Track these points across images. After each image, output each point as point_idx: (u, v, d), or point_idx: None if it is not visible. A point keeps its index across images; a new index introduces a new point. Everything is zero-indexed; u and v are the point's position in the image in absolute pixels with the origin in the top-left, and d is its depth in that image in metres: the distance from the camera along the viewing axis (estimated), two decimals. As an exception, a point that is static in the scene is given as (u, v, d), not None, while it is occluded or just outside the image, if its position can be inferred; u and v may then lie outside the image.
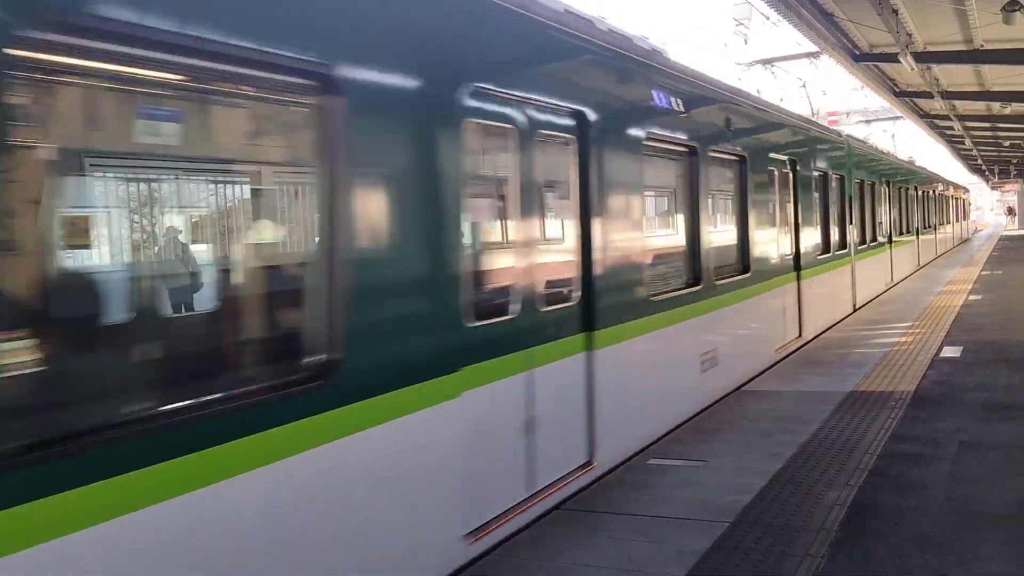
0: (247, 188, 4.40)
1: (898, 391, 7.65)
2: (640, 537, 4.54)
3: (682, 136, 7.05)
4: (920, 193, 23.70)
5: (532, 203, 4.97)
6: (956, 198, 37.61)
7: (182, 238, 4.54)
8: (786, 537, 4.39)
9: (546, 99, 5.07)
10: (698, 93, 7.51)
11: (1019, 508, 4.65)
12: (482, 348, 4.39)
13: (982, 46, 14.24)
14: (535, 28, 5.09)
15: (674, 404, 6.80)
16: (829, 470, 5.46)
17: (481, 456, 4.31)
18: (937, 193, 28.71)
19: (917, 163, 29.15)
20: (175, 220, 4.53)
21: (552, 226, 5.52)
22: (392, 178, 3.83)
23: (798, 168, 10.41)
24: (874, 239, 16.08)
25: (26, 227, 2.68)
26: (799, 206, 10.44)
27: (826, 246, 11.96)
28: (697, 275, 7.23)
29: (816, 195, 11.45)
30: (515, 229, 4.88)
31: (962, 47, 14.58)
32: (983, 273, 20.16)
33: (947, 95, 19.46)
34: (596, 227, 5.47)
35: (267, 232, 4.37)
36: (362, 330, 3.58)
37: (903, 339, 10.63)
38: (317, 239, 3.64)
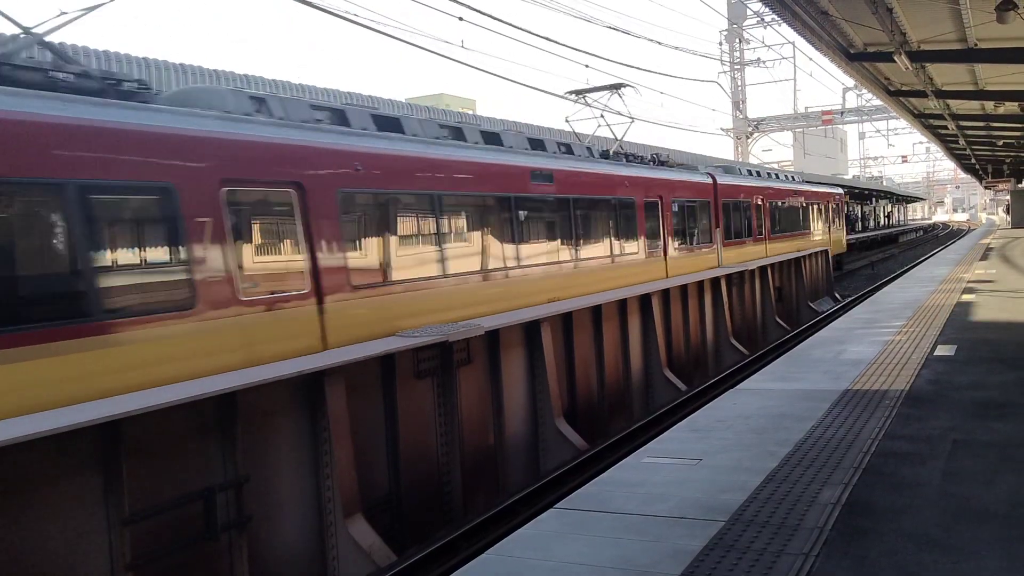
0: None
1: (892, 389, 7.66)
2: (635, 536, 4.52)
3: None
4: None
5: None
6: None
7: None
8: (782, 536, 4.39)
9: None
10: None
11: (1013, 506, 4.65)
12: None
13: (976, 45, 14.25)
14: None
15: None
16: (824, 468, 5.46)
17: None
18: None
19: None
20: None
21: None
22: None
23: None
24: None
25: None
26: None
27: None
28: None
29: None
30: None
31: (956, 46, 14.60)
32: (977, 272, 20.21)
33: (941, 94, 19.48)
34: None
35: None
36: None
37: (897, 337, 10.64)
38: None
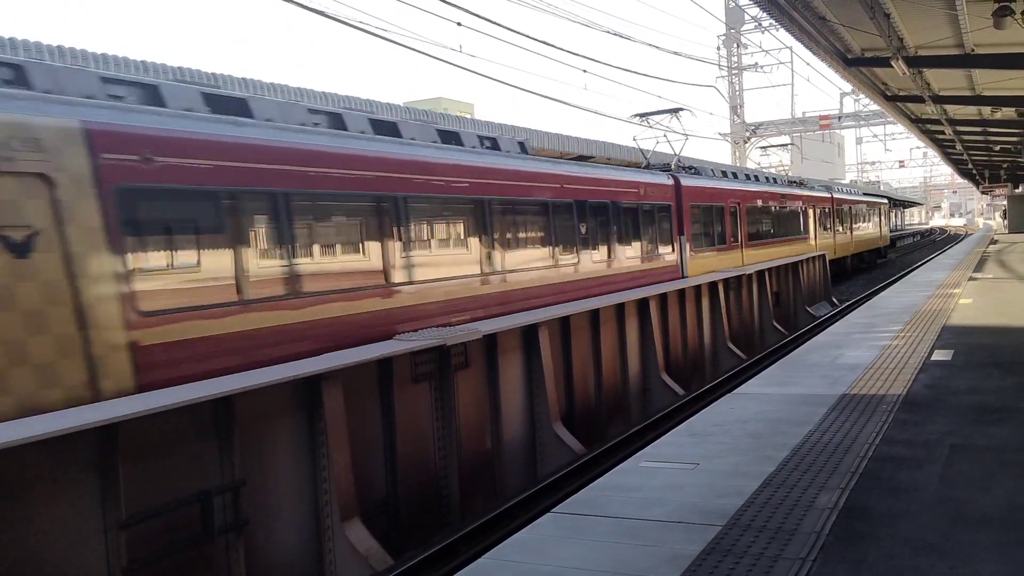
0: None
1: (890, 394, 7.66)
2: (632, 540, 4.52)
3: None
4: None
5: None
6: None
7: None
8: (779, 540, 4.39)
9: None
10: None
11: (1010, 511, 4.65)
12: None
13: (973, 50, 14.29)
14: None
15: None
16: (821, 473, 5.46)
17: None
18: None
19: None
20: None
21: None
22: None
23: None
24: None
25: None
26: None
27: None
28: None
29: None
30: None
31: (953, 51, 14.63)
32: (974, 276, 20.23)
33: (938, 99, 19.53)
34: None
35: None
36: None
37: (894, 342, 10.65)
38: None
